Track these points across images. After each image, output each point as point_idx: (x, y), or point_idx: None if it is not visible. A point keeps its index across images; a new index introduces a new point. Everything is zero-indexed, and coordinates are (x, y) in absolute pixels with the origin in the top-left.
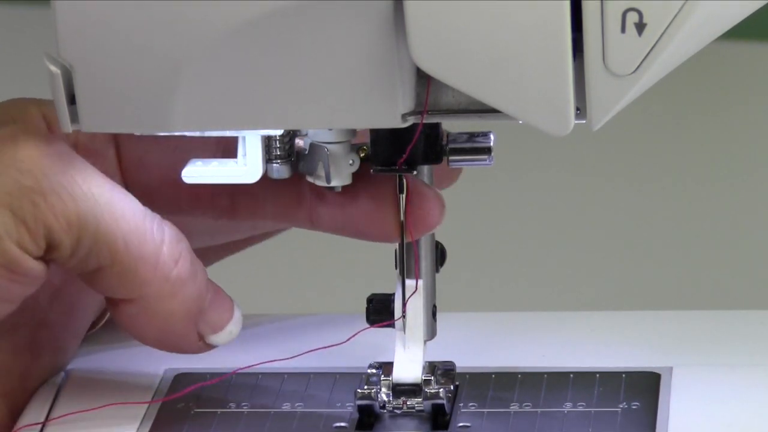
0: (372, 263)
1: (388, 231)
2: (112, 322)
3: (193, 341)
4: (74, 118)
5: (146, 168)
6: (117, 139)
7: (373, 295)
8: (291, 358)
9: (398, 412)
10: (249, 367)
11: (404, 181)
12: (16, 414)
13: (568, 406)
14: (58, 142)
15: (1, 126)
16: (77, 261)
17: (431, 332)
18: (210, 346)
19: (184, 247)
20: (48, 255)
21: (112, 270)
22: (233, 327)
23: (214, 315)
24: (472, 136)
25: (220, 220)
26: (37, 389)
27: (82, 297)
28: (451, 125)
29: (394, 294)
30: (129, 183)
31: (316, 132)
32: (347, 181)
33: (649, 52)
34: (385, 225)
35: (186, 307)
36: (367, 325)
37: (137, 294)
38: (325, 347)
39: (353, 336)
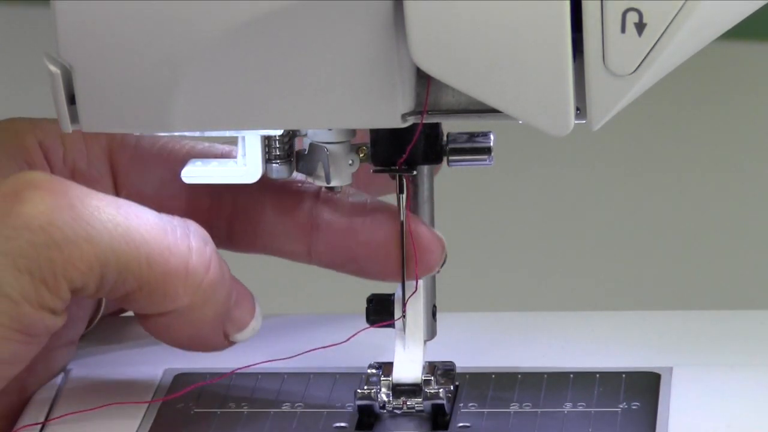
0: None
1: (389, 269)
2: (110, 321)
3: (220, 341)
4: (74, 118)
5: (144, 202)
6: (114, 171)
7: (373, 295)
8: (291, 357)
9: (398, 412)
10: (249, 366)
11: (404, 181)
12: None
13: (568, 406)
14: (61, 184)
15: None
16: (104, 293)
17: (431, 332)
18: (232, 343)
19: (211, 250)
20: (73, 296)
21: (141, 292)
22: (255, 323)
23: (238, 313)
24: (472, 136)
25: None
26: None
27: (73, 308)
28: (451, 125)
29: (394, 294)
30: None
31: (315, 132)
32: (347, 181)
33: (649, 52)
34: (387, 263)
35: (216, 311)
36: (367, 325)
37: (170, 309)
38: (325, 347)
39: (353, 336)
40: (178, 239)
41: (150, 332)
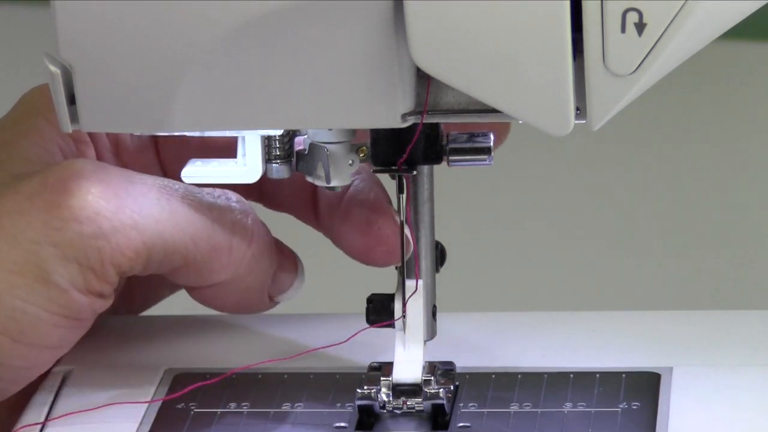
0: None
1: (362, 255)
2: (110, 321)
3: (265, 303)
4: (74, 118)
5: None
6: (156, 139)
7: (373, 295)
8: (291, 357)
9: (398, 412)
10: (248, 366)
11: (404, 181)
12: None
13: (568, 406)
14: (105, 172)
15: (45, 154)
16: (150, 271)
17: (431, 332)
18: (276, 303)
19: (253, 221)
20: (120, 277)
21: (188, 269)
22: (298, 283)
23: (282, 275)
24: (472, 136)
25: None
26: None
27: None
28: (451, 125)
29: (394, 294)
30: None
31: (315, 132)
32: (347, 181)
33: (649, 52)
34: (365, 251)
35: (261, 278)
36: (367, 325)
37: (215, 281)
38: (325, 347)
39: (353, 336)
40: (221, 215)
41: (197, 300)
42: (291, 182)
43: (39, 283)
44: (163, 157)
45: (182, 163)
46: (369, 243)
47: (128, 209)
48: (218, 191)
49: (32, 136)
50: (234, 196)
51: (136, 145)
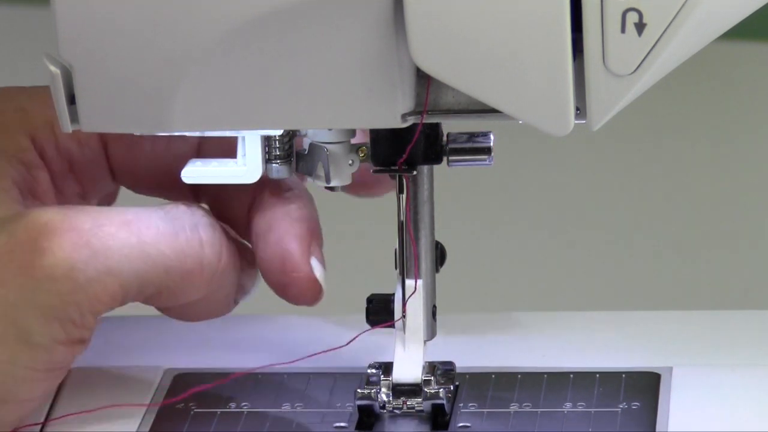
0: (372, 263)
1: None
2: (110, 321)
3: (230, 307)
4: (74, 117)
5: (139, 172)
6: (105, 146)
7: (373, 295)
8: (291, 362)
9: (398, 412)
10: (249, 371)
11: (404, 181)
12: None
13: (568, 406)
14: (73, 220)
15: None
16: (124, 304)
17: (431, 332)
18: (237, 304)
19: (220, 236)
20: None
21: (160, 295)
22: (257, 279)
23: (245, 277)
24: (472, 136)
25: None
26: None
27: None
28: (451, 125)
29: (394, 294)
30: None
31: (315, 132)
32: (347, 181)
33: (649, 52)
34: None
35: (230, 288)
36: (368, 327)
37: (187, 301)
38: (326, 351)
39: (354, 339)
40: (189, 237)
41: (167, 315)
42: (229, 197)
43: (21, 345)
44: (113, 163)
45: (132, 168)
46: (282, 281)
47: (101, 256)
48: (182, 206)
49: None
50: (199, 210)
51: (87, 157)
